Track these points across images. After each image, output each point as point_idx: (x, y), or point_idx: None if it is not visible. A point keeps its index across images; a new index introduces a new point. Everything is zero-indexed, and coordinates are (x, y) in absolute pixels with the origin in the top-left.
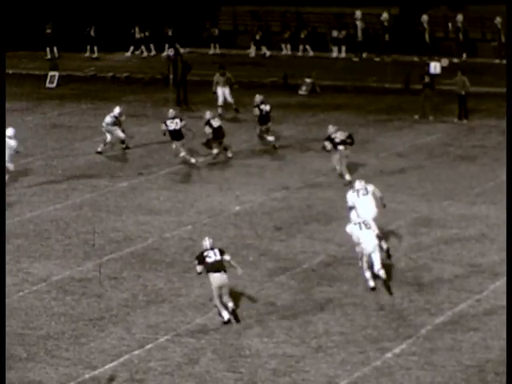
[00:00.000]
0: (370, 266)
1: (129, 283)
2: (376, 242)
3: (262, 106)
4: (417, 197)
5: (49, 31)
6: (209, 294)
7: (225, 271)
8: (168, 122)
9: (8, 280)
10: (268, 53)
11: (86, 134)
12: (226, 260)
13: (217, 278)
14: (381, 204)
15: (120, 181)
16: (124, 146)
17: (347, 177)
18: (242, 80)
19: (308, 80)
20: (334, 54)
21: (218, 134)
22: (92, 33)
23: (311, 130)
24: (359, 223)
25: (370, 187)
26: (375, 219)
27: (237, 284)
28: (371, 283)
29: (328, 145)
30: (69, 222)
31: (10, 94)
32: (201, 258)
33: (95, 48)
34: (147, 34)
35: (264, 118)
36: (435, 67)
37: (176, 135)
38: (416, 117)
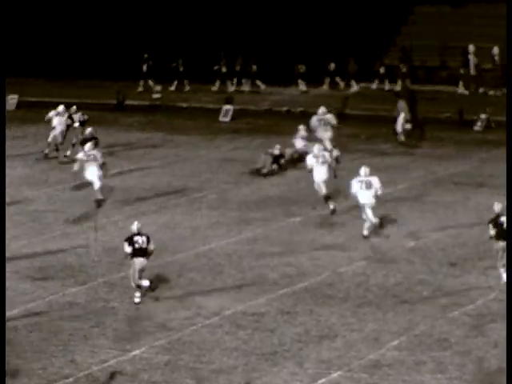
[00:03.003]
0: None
1: (302, 318)
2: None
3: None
4: None
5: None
6: (382, 329)
7: (146, 257)
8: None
9: (181, 314)
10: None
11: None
12: (150, 249)
13: (140, 263)
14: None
15: (294, 215)
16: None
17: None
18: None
19: (483, 116)
20: (481, 90)
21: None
22: (302, 70)
23: (485, 166)
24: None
25: (376, 182)
26: None
27: (409, 320)
28: (365, 232)
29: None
30: (242, 256)
31: (183, 127)
32: (130, 241)
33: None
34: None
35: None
36: None
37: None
38: None
